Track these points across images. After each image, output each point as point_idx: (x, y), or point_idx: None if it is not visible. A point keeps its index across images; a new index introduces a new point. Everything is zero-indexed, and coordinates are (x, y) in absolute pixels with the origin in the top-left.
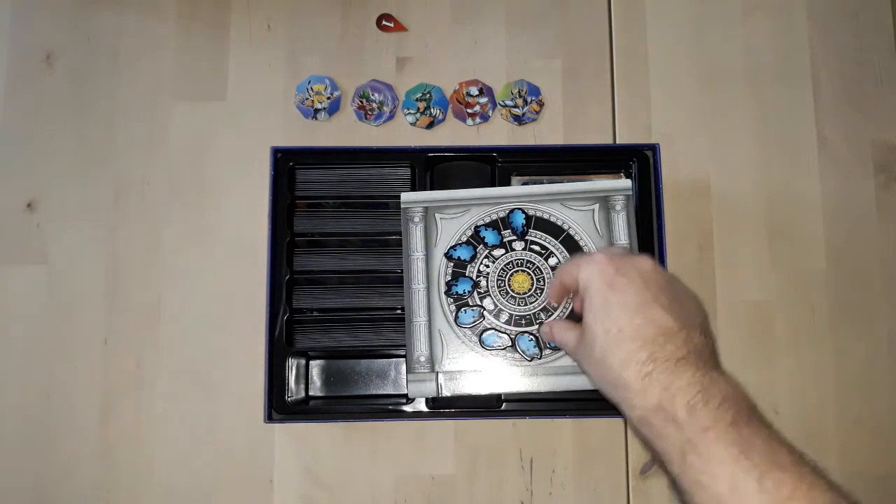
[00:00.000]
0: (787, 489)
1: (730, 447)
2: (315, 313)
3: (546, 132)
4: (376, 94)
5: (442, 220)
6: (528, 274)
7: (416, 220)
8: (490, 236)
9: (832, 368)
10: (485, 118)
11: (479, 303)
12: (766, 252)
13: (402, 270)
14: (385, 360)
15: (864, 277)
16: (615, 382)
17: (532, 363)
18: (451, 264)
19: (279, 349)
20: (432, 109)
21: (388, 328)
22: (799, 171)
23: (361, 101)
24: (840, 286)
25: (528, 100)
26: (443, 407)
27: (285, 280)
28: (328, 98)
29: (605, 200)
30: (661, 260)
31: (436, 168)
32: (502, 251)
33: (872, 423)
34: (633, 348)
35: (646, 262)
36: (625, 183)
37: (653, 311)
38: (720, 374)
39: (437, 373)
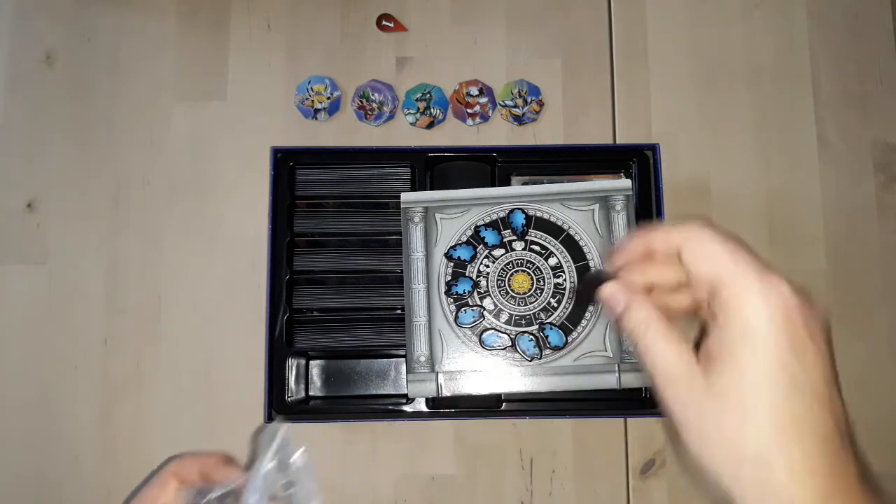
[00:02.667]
0: None
1: None
2: (315, 313)
3: (546, 132)
4: (376, 94)
5: (442, 220)
6: (528, 274)
7: (416, 220)
8: (490, 236)
9: None
10: (485, 118)
11: (479, 303)
12: (766, 252)
13: (402, 270)
14: (385, 360)
15: (864, 277)
16: (758, 479)
17: (532, 363)
18: (451, 264)
19: (279, 349)
20: (432, 109)
21: (388, 328)
22: (799, 170)
23: (361, 101)
24: (840, 286)
25: (528, 100)
26: (443, 407)
27: (285, 280)
28: (328, 98)
29: (605, 200)
30: None
31: (436, 168)
32: (502, 251)
33: (872, 423)
34: (812, 449)
35: (826, 320)
36: (625, 183)
37: (840, 410)
38: None
39: (437, 373)
